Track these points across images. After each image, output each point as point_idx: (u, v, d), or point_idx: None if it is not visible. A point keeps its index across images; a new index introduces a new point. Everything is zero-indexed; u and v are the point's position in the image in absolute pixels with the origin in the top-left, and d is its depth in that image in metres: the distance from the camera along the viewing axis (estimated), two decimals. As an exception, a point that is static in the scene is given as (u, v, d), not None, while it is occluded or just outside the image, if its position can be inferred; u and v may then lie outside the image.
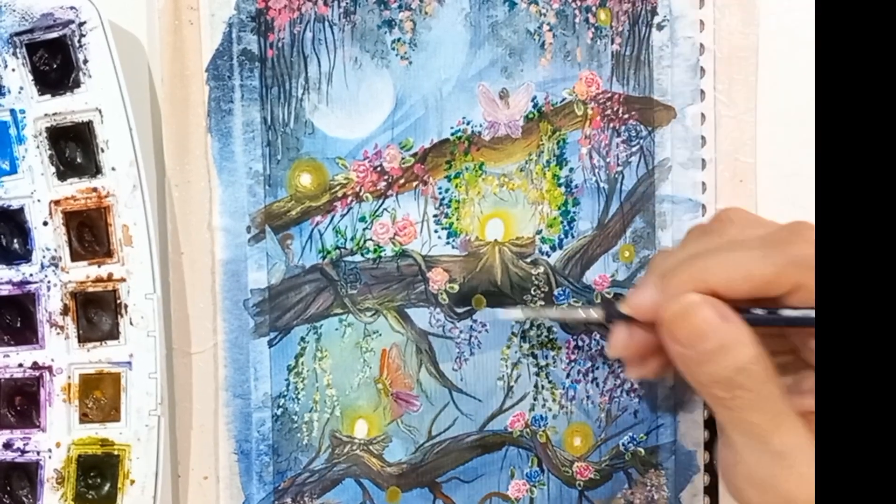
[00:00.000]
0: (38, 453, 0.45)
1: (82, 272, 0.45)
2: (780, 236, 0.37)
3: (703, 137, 0.49)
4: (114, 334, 0.45)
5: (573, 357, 0.49)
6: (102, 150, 0.44)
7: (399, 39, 0.47)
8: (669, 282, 0.38)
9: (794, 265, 0.36)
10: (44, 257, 0.45)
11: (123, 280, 0.45)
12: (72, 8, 0.43)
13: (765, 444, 0.37)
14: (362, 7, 0.47)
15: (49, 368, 0.45)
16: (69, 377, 0.45)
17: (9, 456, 0.45)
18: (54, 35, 0.44)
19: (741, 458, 0.39)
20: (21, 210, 0.45)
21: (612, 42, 0.49)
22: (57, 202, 0.45)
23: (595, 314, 0.43)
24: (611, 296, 0.49)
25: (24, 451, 0.45)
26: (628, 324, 0.41)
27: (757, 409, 0.37)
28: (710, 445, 0.50)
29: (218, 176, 0.47)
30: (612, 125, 0.49)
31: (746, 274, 0.37)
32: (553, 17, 0.48)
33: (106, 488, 0.45)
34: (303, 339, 0.48)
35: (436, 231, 0.48)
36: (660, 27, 0.48)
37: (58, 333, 0.45)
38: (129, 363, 0.45)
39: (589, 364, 0.50)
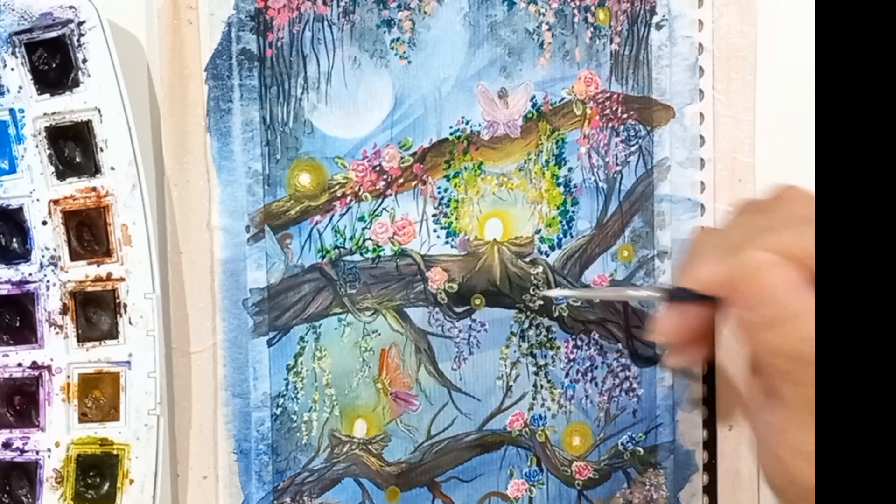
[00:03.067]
0: (38, 453, 0.45)
1: (81, 271, 0.45)
2: None
3: (701, 137, 0.49)
4: (113, 334, 0.45)
5: (572, 356, 0.49)
6: (101, 150, 0.44)
7: (398, 39, 0.47)
8: (742, 251, 0.36)
9: None
10: (43, 257, 0.45)
11: (122, 279, 0.45)
12: (71, 7, 0.43)
13: (805, 432, 0.35)
14: (361, 6, 0.47)
15: (48, 368, 0.45)
16: (68, 377, 0.45)
17: (8, 455, 0.45)
18: (53, 34, 0.44)
19: (792, 430, 0.36)
20: (20, 209, 0.45)
21: (611, 41, 0.49)
22: (56, 201, 0.45)
23: (653, 293, 0.42)
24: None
25: (23, 451, 0.45)
26: (682, 305, 0.40)
27: (808, 388, 0.34)
28: (708, 445, 0.50)
29: (217, 175, 0.47)
30: (610, 125, 0.49)
31: (811, 255, 0.34)
32: (552, 16, 0.48)
33: (105, 488, 0.45)
34: (302, 338, 0.48)
35: (435, 230, 0.48)
36: (658, 27, 0.49)
37: (57, 333, 0.45)
38: (129, 363, 0.45)
39: (588, 363, 0.50)
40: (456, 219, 0.48)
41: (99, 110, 0.44)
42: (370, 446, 0.49)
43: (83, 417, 0.45)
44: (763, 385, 0.37)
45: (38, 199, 0.45)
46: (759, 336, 0.35)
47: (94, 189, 0.44)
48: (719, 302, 0.37)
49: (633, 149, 0.49)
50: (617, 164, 0.49)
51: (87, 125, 0.44)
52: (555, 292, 0.48)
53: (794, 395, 0.35)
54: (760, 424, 0.37)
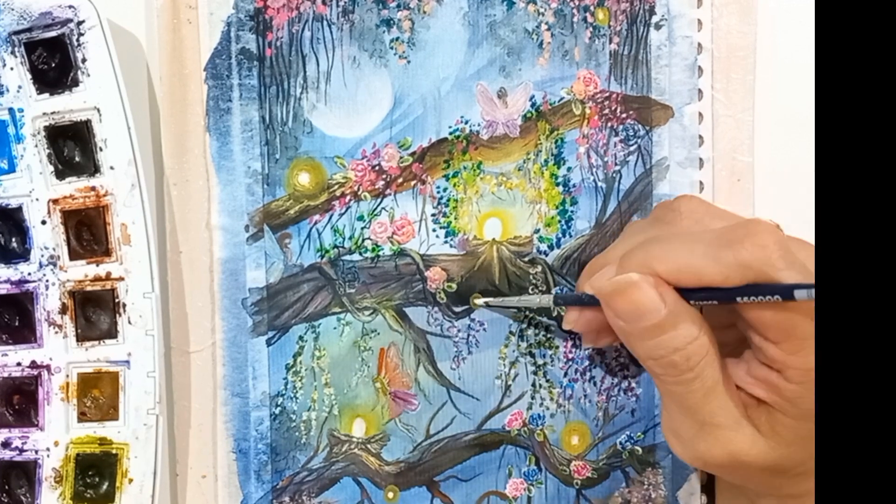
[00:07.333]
0: (37, 452, 0.45)
1: (80, 271, 0.45)
2: (734, 236, 0.37)
3: (700, 136, 0.49)
4: (112, 333, 0.45)
5: (571, 356, 0.49)
6: (101, 149, 0.44)
7: (397, 38, 0.47)
8: (620, 266, 0.40)
9: (744, 269, 0.37)
10: (42, 256, 0.45)
11: (122, 279, 0.45)
12: (70, 7, 0.43)
13: (693, 414, 0.40)
14: (361, 6, 0.47)
15: (47, 367, 0.45)
16: (67, 376, 0.45)
17: (7, 455, 0.45)
18: (53, 34, 0.44)
19: (670, 413, 0.42)
20: (19, 209, 0.45)
21: (610, 41, 0.49)
22: (55, 201, 0.45)
23: (546, 301, 0.46)
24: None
25: (22, 450, 0.45)
26: (580, 307, 0.44)
27: (689, 386, 0.39)
28: (707, 444, 0.50)
29: (216, 175, 0.47)
30: (609, 124, 0.49)
31: (695, 272, 0.38)
32: (551, 16, 0.48)
33: (104, 487, 0.45)
34: (301, 337, 0.48)
35: (434, 230, 0.48)
36: (658, 26, 0.49)
37: (56, 332, 0.45)
38: (128, 362, 0.45)
39: (586, 363, 0.50)
40: (455, 218, 0.48)
41: (98, 110, 0.44)
42: (369, 445, 0.49)
43: (82, 417, 0.45)
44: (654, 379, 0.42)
45: (37, 199, 0.45)
46: (634, 345, 0.40)
47: (93, 188, 0.44)
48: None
49: (631, 148, 0.49)
50: (616, 164, 0.49)
51: (86, 125, 0.44)
52: (475, 302, 0.49)
53: (663, 390, 0.41)
54: (664, 409, 0.43)
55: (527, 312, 0.49)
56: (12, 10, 0.44)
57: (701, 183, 0.49)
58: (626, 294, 0.39)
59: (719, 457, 0.40)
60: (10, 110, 0.44)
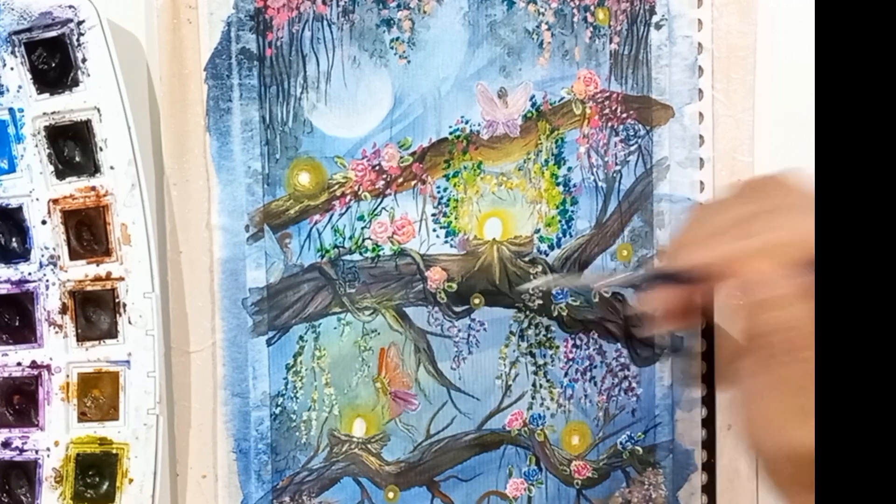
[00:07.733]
0: (37, 452, 0.45)
1: (81, 271, 0.45)
2: None
3: (701, 136, 0.49)
4: (112, 333, 0.45)
5: (571, 356, 0.49)
6: (101, 149, 0.44)
7: (397, 38, 0.47)
8: (735, 238, 0.39)
9: None
10: (42, 256, 0.45)
11: (122, 279, 0.45)
12: (70, 7, 0.43)
13: (803, 395, 0.37)
14: (361, 6, 0.47)
15: (48, 367, 0.45)
16: (68, 376, 0.45)
17: (7, 455, 0.45)
18: (53, 34, 0.44)
19: (765, 401, 0.39)
20: (20, 209, 0.45)
21: (611, 41, 0.49)
22: (55, 201, 0.45)
23: (638, 278, 0.46)
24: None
25: (22, 450, 0.45)
26: (667, 284, 0.42)
27: (806, 365, 0.37)
28: (707, 444, 0.50)
29: (216, 175, 0.47)
30: (610, 124, 0.49)
31: (804, 242, 0.37)
32: (551, 16, 0.48)
33: (104, 487, 0.45)
34: (301, 337, 0.48)
35: (434, 230, 0.48)
36: (658, 26, 0.49)
37: (56, 332, 0.45)
38: (128, 362, 0.45)
39: (587, 363, 0.50)
40: (455, 218, 0.48)
41: (98, 110, 0.44)
42: (369, 445, 0.49)
43: (82, 417, 0.45)
44: (758, 358, 0.39)
45: (37, 199, 0.45)
46: (756, 317, 0.38)
47: (93, 188, 0.44)
48: (705, 283, 0.39)
49: (632, 148, 0.49)
50: (616, 164, 0.49)
51: (86, 125, 0.44)
52: (530, 284, 0.49)
53: (767, 375, 0.38)
54: (754, 394, 0.40)
55: (527, 312, 0.49)
56: (12, 10, 0.44)
57: (701, 183, 0.49)
58: (752, 264, 0.37)
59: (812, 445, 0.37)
60: (10, 110, 0.44)
